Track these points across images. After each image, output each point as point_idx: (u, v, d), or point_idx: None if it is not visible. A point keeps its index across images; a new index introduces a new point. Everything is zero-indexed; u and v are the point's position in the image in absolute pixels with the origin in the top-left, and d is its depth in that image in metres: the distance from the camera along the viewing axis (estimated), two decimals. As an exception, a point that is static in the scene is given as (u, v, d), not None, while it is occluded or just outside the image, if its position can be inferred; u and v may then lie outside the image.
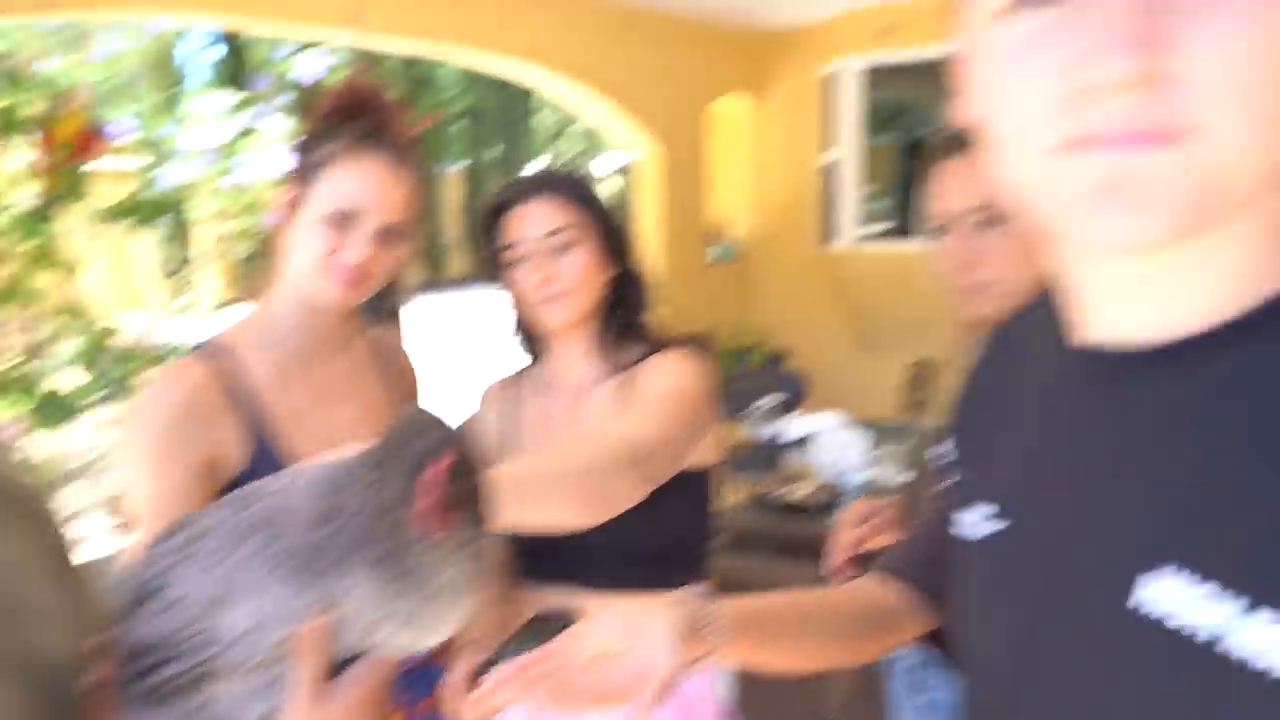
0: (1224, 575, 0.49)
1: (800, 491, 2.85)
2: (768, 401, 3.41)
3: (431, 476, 0.71)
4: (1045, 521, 0.65)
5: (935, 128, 6.90)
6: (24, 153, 3.31)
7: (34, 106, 3.24)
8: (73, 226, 3.47)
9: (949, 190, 1.27)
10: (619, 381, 1.50)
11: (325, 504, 0.72)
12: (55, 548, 0.82)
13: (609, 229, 1.51)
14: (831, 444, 3.05)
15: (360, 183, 1.34)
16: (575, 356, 1.55)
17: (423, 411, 0.77)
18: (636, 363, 1.50)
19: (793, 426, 3.45)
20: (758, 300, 7.16)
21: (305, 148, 1.39)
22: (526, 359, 1.65)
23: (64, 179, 3.32)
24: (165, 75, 10.97)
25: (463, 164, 19.98)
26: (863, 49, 6.19)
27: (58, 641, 0.74)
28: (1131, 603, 0.53)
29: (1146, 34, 0.46)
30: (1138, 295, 0.57)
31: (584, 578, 1.41)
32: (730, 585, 1.95)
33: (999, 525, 0.69)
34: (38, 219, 3.22)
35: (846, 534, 1.48)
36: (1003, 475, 0.72)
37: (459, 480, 0.72)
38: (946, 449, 1.27)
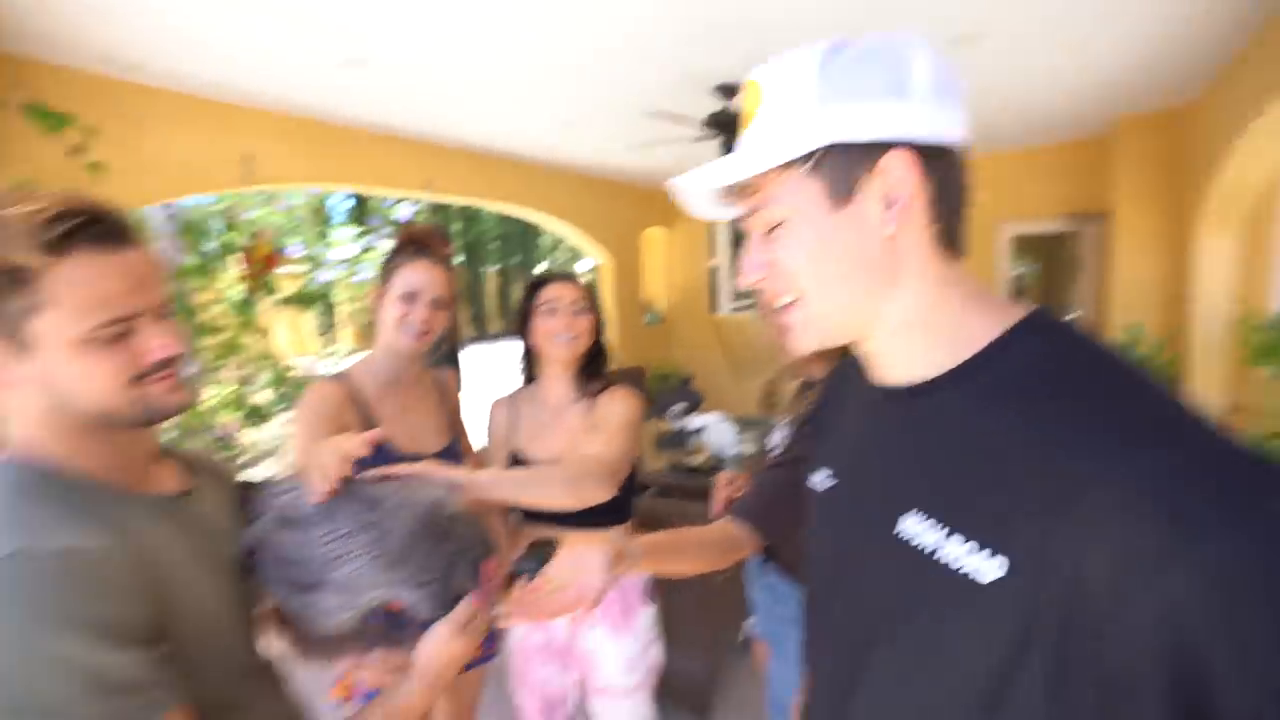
0: (939, 515, 0.51)
1: (697, 460, 2.90)
2: (679, 407, 3.46)
3: (487, 575, 0.79)
4: (853, 481, 0.64)
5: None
6: (235, 267, 3.30)
7: (241, 239, 3.23)
8: (266, 308, 3.44)
9: None
10: (586, 404, 1.49)
11: (413, 534, 0.76)
12: (235, 494, 0.86)
13: (596, 311, 1.50)
14: (716, 431, 3.12)
15: (418, 274, 1.36)
16: (560, 384, 1.51)
17: (476, 535, 0.82)
18: (599, 393, 1.50)
19: (693, 421, 3.52)
20: (674, 345, 7.25)
21: (386, 262, 1.40)
22: (521, 382, 1.60)
23: (259, 282, 3.31)
24: (320, 217, 10.83)
25: (495, 267, 19.87)
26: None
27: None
28: (895, 530, 0.54)
29: (760, 262, 0.57)
30: (881, 362, 0.60)
31: (564, 521, 1.39)
32: (656, 518, 2.03)
33: (832, 482, 0.68)
34: (244, 305, 3.20)
35: (720, 492, 1.46)
36: (837, 452, 0.70)
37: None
38: (773, 440, 1.34)
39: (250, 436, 3.40)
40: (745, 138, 0.56)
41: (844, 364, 0.77)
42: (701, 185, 0.58)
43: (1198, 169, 3.67)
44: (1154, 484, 0.40)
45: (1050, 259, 7.49)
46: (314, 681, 0.82)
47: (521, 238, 19.88)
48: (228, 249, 3.12)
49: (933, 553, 0.50)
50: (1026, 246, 6.91)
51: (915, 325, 0.56)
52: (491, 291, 20.35)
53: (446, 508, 0.81)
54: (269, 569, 0.76)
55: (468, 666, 1.52)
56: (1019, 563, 0.44)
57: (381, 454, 1.32)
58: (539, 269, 20.92)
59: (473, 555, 0.80)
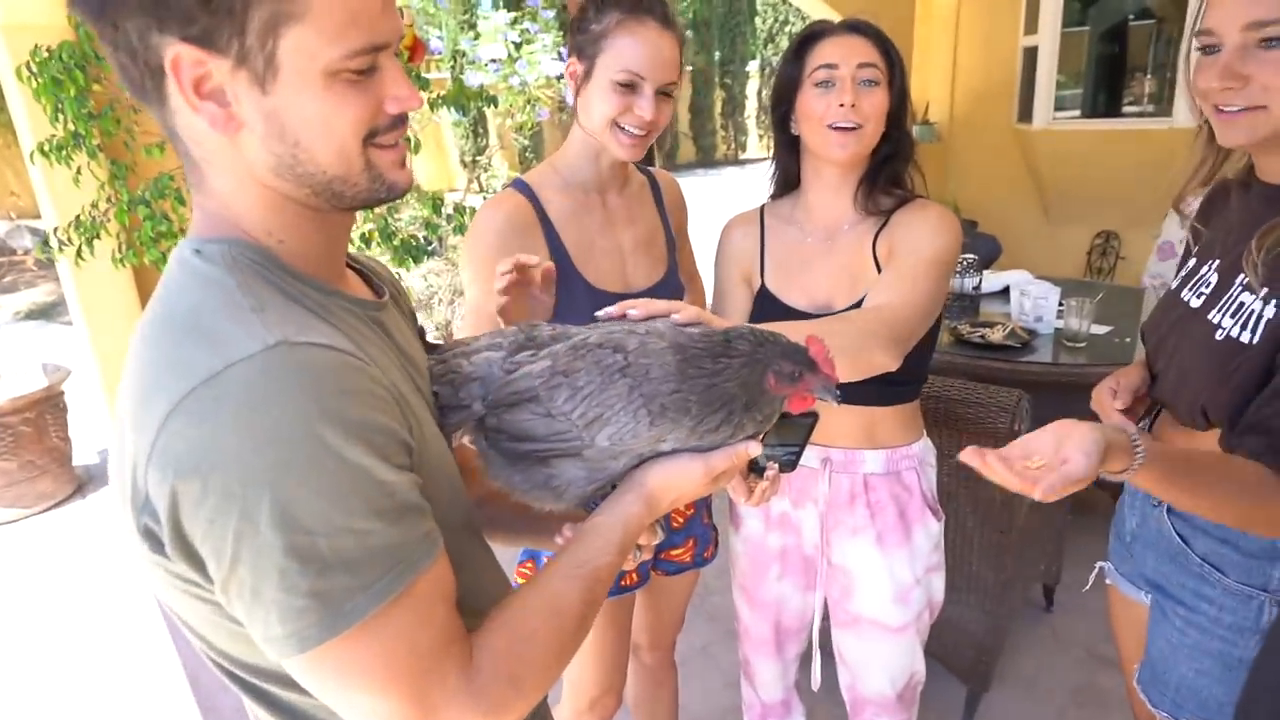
0: None
1: (997, 334, 2.70)
2: (966, 259, 3.22)
3: (819, 353, 0.80)
4: None
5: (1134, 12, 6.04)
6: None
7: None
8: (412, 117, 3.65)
9: (1222, 7, 0.99)
10: (872, 227, 1.38)
11: (679, 371, 0.76)
12: (414, 323, 0.91)
13: (901, 86, 1.36)
14: (1029, 295, 2.86)
15: (640, 48, 1.27)
16: (832, 195, 1.41)
17: (758, 333, 0.81)
18: (891, 210, 1.37)
19: (993, 279, 3.26)
20: (955, 173, 6.69)
21: (582, 24, 1.33)
22: (771, 193, 1.52)
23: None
24: (463, 3, 11.16)
25: (688, 67, 19.46)
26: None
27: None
28: None
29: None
30: None
31: None
32: (949, 403, 1.93)
33: None
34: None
35: (1106, 403, 1.31)
36: None
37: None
38: (1203, 296, 1.15)
39: (402, 279, 3.77)
40: None
41: None
42: None
43: None
44: None
45: None
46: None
47: (726, 22, 19.06)
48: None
49: None
50: None
51: None
52: (682, 103, 20.13)
53: (709, 343, 0.80)
54: (495, 453, 0.83)
55: (673, 571, 1.62)
56: None
57: (574, 289, 1.38)
58: (750, 67, 20.08)
59: (774, 350, 0.79)
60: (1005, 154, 6.27)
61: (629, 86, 1.29)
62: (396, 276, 0.95)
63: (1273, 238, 1.01)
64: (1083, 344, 2.67)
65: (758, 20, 19.64)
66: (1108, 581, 1.45)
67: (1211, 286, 1.14)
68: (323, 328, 0.64)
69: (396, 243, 3.31)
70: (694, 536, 1.61)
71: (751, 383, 0.78)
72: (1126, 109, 5.72)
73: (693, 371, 0.77)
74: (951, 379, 1.98)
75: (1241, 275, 1.07)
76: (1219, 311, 1.10)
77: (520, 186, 1.41)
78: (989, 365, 2.58)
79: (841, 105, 1.30)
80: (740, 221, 1.53)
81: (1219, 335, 1.08)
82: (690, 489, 0.80)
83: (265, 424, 0.55)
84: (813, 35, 1.36)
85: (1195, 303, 1.16)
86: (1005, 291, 3.20)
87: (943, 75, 6.67)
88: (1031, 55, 5.77)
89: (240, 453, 0.54)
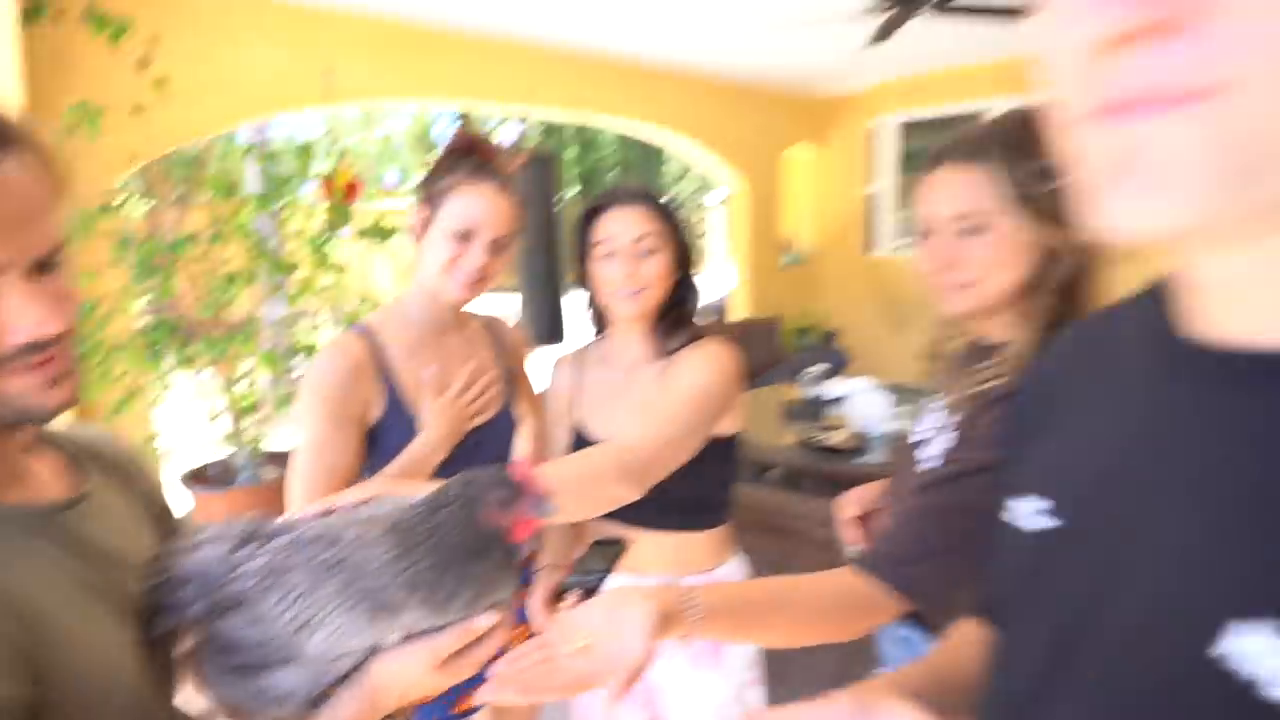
0: None
1: (837, 438, 2.56)
2: (817, 369, 3.12)
3: (523, 472, 0.65)
4: (1111, 532, 0.40)
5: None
6: (313, 194, 3.35)
7: (322, 166, 3.25)
8: (343, 244, 3.47)
9: (932, 199, 0.96)
10: (663, 365, 1.27)
11: (399, 553, 0.61)
12: (151, 504, 0.72)
13: (682, 242, 1.27)
14: (863, 402, 2.75)
15: (476, 204, 1.17)
16: (632, 340, 1.31)
17: (466, 474, 0.66)
18: (679, 349, 1.27)
19: (834, 388, 3.16)
20: (817, 293, 6.79)
21: (431, 180, 1.21)
22: (590, 337, 1.40)
23: (337, 212, 3.33)
24: (422, 144, 11.27)
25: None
26: (898, 109, 5.72)
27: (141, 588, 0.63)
28: (1214, 651, 0.31)
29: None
30: (1244, 293, 0.32)
31: (632, 517, 1.17)
32: (774, 513, 1.76)
33: (1051, 523, 0.44)
34: (317, 239, 3.23)
35: (847, 517, 1.19)
36: (1061, 473, 0.46)
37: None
38: (926, 438, 1.02)
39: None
40: None
41: (1082, 327, 0.51)
42: None
43: None
44: None
45: None
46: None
47: (643, 165, 19.59)
48: (303, 173, 3.14)
49: None
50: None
51: None
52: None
53: (422, 505, 0.65)
54: (205, 662, 0.65)
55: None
56: None
57: (407, 428, 1.19)
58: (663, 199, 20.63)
59: (482, 483, 0.65)
60: (856, 275, 6.40)
61: (464, 237, 1.17)
62: (128, 457, 0.73)
63: (966, 381, 0.94)
64: (911, 445, 2.56)
65: (668, 165, 20.39)
66: None
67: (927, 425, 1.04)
68: None
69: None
70: None
71: (471, 523, 0.62)
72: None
73: (411, 541, 0.61)
74: (785, 487, 1.81)
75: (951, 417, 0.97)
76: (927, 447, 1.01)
77: (361, 330, 1.23)
78: (830, 467, 2.43)
79: (622, 275, 1.20)
80: (565, 361, 1.41)
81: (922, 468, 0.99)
82: (418, 679, 0.62)
83: None
84: (596, 209, 1.26)
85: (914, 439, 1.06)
86: (847, 399, 3.10)
87: (807, 213, 6.84)
88: (874, 199, 5.96)
89: None
